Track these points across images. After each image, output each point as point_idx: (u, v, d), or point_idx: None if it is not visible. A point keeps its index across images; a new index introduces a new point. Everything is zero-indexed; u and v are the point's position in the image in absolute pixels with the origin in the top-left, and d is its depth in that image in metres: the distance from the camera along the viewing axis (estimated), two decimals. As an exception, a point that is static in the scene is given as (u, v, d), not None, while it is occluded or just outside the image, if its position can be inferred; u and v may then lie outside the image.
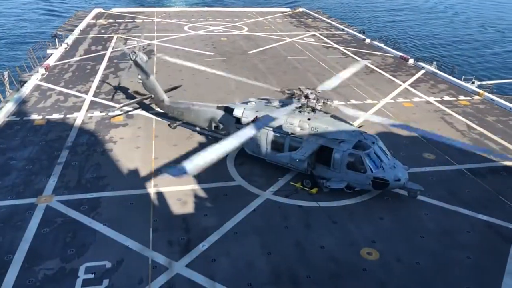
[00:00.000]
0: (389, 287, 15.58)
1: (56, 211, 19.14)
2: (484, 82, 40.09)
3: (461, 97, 35.93)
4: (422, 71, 42.64)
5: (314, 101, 21.50)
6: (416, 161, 24.30)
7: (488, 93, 36.39)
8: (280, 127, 21.53)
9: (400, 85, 38.29)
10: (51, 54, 44.18)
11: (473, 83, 38.64)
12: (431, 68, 43.03)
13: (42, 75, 37.71)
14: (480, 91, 36.61)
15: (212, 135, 26.32)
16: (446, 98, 35.69)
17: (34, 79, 36.22)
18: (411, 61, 45.85)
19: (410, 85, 38.47)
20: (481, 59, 73.23)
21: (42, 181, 21.47)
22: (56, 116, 29.48)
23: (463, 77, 40.09)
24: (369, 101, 34.17)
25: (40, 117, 29.26)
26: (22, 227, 18.00)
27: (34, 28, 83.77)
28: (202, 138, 26.51)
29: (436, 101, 34.83)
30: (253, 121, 21.88)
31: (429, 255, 17.22)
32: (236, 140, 18.05)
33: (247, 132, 18.89)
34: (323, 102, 21.77)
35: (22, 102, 31.74)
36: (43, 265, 15.96)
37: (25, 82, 35.68)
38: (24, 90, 33.62)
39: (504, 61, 72.38)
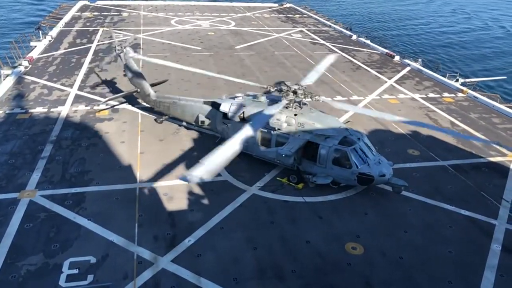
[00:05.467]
0: (373, 281, 15.79)
1: (39, 205, 18.89)
2: (468, 80, 40.64)
3: (446, 94, 36.42)
4: (408, 68, 43.06)
5: (302, 96, 21.58)
6: (401, 157, 24.63)
7: (472, 90, 36.94)
8: (267, 122, 21.55)
9: (386, 81, 38.64)
10: (35, 46, 43.37)
11: (457, 80, 39.16)
12: (417, 65, 43.44)
13: (26, 67, 37.06)
14: (464, 88, 37.15)
15: (199, 130, 26.26)
16: (431, 95, 36.13)
17: (17, 72, 35.56)
18: (397, 58, 46.29)
19: (395, 81, 38.84)
20: (466, 56, 74.17)
21: (25, 176, 21.14)
22: (40, 109, 29.02)
23: (447, 74, 40.60)
24: (355, 97, 34.40)
25: (23, 110, 28.75)
26: (4, 222, 17.72)
27: (17, 20, 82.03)
28: (188, 133, 26.40)
29: (421, 98, 35.24)
30: (245, 120, 21.80)
31: (413, 250, 17.49)
32: (239, 141, 17.86)
33: (247, 132, 18.60)
34: (311, 97, 21.86)
35: (4, 95, 31.15)
36: (26, 260, 15.75)
37: (7, 75, 34.98)
38: (7, 83, 33.00)
39: (489, 58, 73.43)
